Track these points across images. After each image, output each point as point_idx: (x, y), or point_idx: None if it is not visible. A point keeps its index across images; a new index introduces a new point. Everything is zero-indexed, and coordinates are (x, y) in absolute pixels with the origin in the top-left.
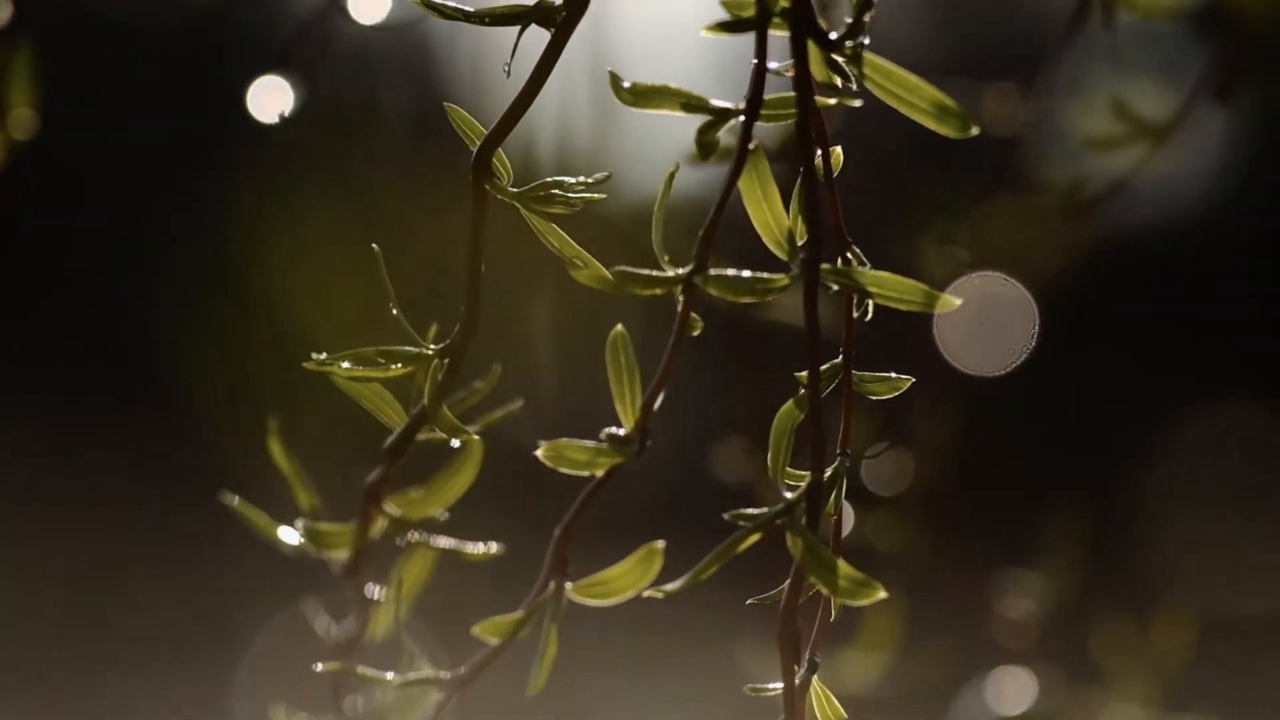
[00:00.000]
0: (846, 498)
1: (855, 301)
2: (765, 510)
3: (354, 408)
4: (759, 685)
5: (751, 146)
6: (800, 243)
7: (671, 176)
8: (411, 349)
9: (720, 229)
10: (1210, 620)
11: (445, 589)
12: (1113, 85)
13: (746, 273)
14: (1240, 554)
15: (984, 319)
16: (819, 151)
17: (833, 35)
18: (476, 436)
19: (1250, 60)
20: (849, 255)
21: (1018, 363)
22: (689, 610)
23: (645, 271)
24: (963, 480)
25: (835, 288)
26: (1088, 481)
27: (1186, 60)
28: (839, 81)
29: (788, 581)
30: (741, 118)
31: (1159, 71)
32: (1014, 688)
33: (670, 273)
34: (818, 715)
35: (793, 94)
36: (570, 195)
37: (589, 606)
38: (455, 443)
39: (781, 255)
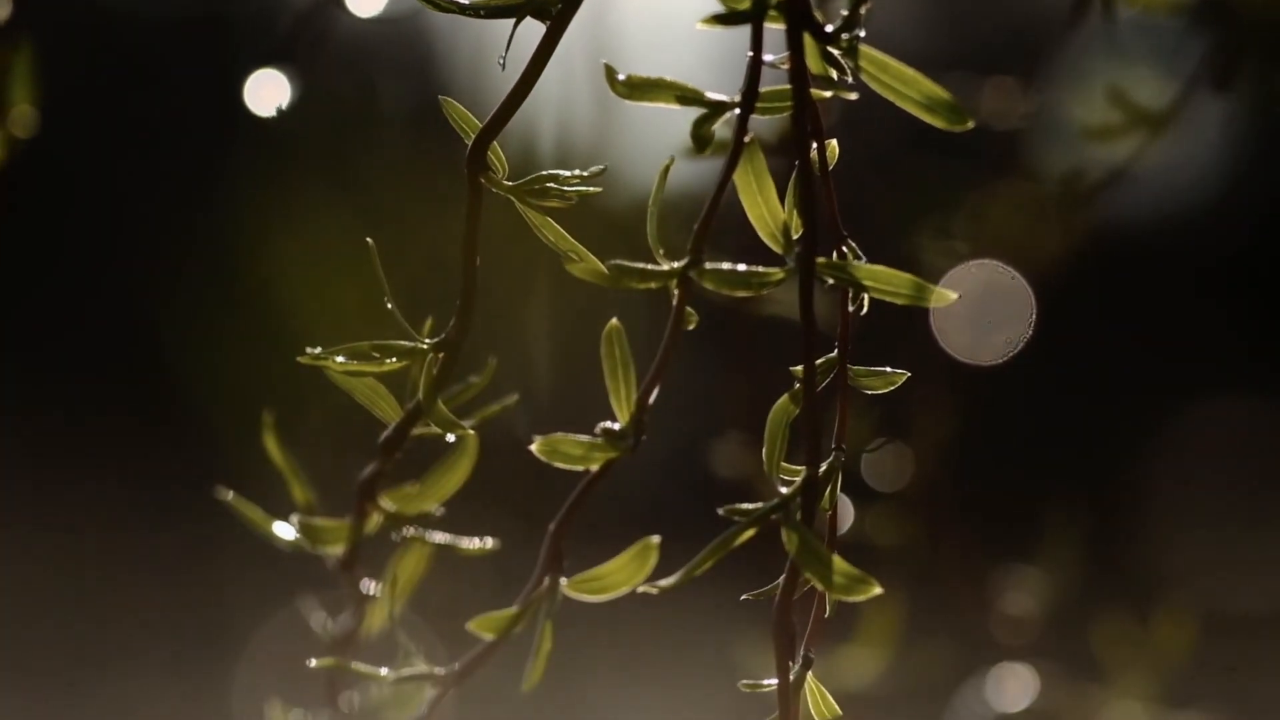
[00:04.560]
0: (845, 493)
1: (850, 296)
2: (760, 505)
3: (349, 403)
4: (754, 681)
5: (747, 139)
6: (795, 236)
7: (666, 170)
8: (406, 343)
9: (716, 223)
10: (1211, 617)
11: (445, 585)
12: (1111, 75)
13: (742, 267)
14: (1241, 550)
15: (982, 308)
16: (814, 145)
17: (828, 28)
18: (472, 431)
19: (1249, 49)
20: (844, 249)
21: (1014, 351)
22: (685, 606)
23: (640, 265)
24: (962, 475)
25: (831, 282)
26: (1088, 477)
27: (1185, 50)
28: (835, 74)
29: (782, 577)
30: (737, 110)
31: (1157, 61)
32: (1014, 684)
33: (665, 266)
34: (812, 711)
35: (788, 87)
36: (565, 189)
37: (585, 602)
38: (451, 437)
39: (777, 249)
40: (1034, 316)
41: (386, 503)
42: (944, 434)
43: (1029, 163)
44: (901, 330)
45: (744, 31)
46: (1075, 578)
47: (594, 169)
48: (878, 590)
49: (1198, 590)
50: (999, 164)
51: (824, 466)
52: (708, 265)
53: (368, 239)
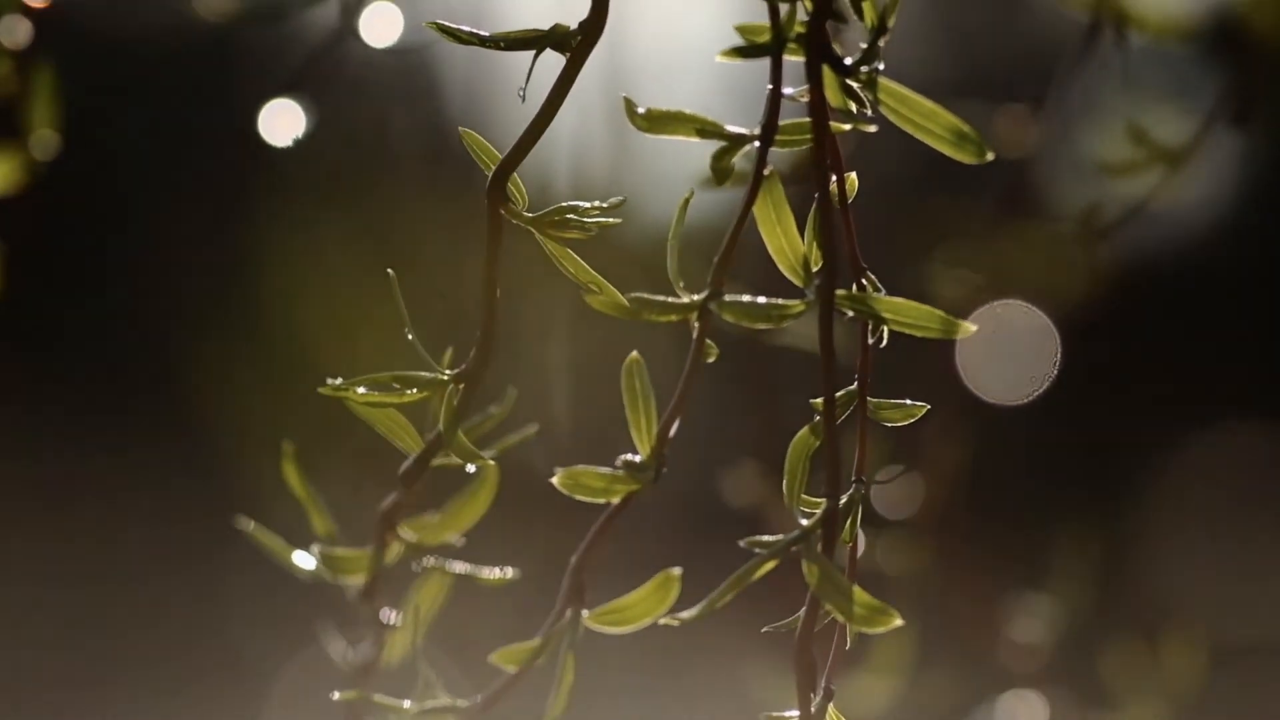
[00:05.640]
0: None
1: (870, 328)
2: (781, 537)
3: (370, 433)
4: (775, 714)
5: (766, 172)
6: (815, 269)
7: (686, 202)
8: (427, 374)
9: (736, 255)
10: (1221, 644)
11: (466, 616)
12: (1128, 109)
13: (762, 299)
14: (1251, 577)
15: (1006, 348)
16: (834, 177)
17: (848, 61)
18: (492, 462)
19: (1268, 83)
20: (864, 281)
21: (1040, 391)
22: (705, 637)
23: (660, 298)
24: (973, 504)
25: (850, 314)
26: (1098, 505)
27: (1197, 77)
28: (854, 107)
29: (803, 609)
30: (756, 143)
31: (1170, 89)
32: (1024, 712)
33: (685, 299)
34: None
35: (808, 119)
36: (585, 220)
37: (606, 633)
38: (471, 468)
39: (797, 281)
40: (1059, 355)
41: (407, 533)
42: (954, 461)
43: (1046, 196)
44: (915, 362)
45: (763, 64)
46: (1086, 605)
47: (614, 200)
48: (898, 622)
49: (1208, 617)
50: (1015, 197)
51: (844, 499)
52: (728, 298)
53: (388, 270)
